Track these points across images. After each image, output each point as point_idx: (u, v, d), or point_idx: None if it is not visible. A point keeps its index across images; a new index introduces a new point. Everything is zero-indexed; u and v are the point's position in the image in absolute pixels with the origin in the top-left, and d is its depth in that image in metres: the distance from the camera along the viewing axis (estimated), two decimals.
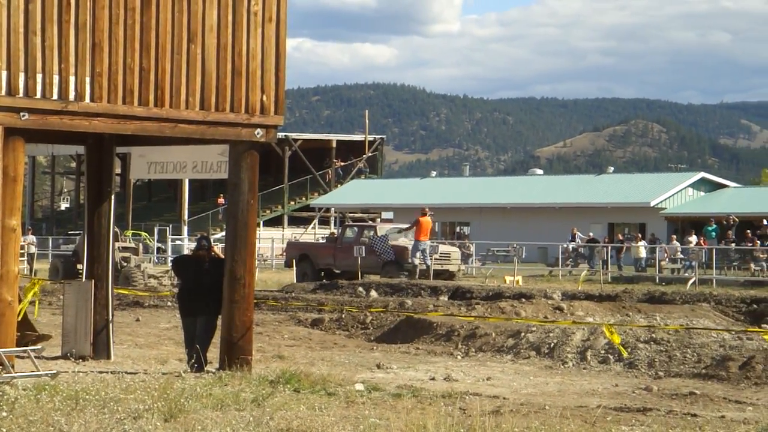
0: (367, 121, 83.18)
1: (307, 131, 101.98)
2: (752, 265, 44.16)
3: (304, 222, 75.67)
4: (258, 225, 37.65)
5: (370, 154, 79.95)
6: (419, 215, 40.85)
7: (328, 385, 15.37)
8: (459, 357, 21.19)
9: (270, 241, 61.09)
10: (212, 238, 57.15)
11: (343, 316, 26.31)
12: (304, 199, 76.59)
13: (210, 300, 17.18)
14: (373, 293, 33.51)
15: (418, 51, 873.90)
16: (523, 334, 21.79)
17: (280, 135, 60.12)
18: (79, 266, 33.18)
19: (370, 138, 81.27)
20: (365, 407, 13.59)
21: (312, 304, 29.18)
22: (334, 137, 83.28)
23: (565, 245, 51.67)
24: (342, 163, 79.15)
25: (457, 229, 65.12)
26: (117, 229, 39.35)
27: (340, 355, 20.88)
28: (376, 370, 18.72)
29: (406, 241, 40.91)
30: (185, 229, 67.86)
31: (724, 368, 18.54)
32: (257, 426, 11.32)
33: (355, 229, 43.16)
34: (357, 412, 13.13)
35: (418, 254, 39.73)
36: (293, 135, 78.18)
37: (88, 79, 15.37)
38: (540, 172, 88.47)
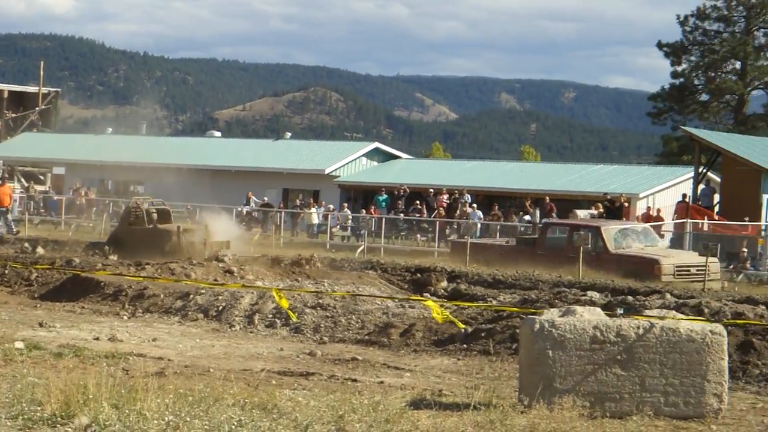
0: (42, 72, 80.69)
1: None
2: (418, 236, 45.57)
3: None
4: None
5: (43, 107, 77.66)
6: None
7: None
8: (125, 317, 20.94)
9: None
10: None
11: (7, 271, 25.55)
12: None
13: None
14: (40, 249, 32.70)
15: (98, 4, 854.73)
16: (192, 296, 21.76)
17: None
18: None
19: (44, 90, 78.93)
20: (24, 365, 13.25)
21: None
22: (5, 87, 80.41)
23: (239, 209, 51.82)
24: (13, 115, 76.61)
25: (131, 188, 64.22)
26: None
27: (0, 313, 20.28)
28: (39, 329, 18.28)
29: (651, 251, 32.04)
30: None
31: (386, 335, 19.04)
32: None
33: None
34: (15, 371, 12.78)
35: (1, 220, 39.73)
36: None
37: None
38: (218, 134, 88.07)
